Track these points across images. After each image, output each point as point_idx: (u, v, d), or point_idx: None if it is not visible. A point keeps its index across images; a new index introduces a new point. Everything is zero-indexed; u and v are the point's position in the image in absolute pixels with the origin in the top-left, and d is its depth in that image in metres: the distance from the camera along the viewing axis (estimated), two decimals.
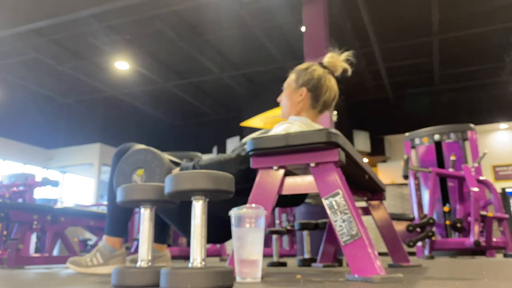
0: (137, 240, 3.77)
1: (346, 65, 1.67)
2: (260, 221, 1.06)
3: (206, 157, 1.54)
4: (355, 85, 9.25)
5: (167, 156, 1.67)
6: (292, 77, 1.68)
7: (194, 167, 1.50)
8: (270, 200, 1.21)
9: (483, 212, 3.71)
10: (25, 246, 2.63)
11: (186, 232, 1.57)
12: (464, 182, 4.06)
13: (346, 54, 1.68)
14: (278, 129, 1.44)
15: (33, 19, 6.12)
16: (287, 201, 1.72)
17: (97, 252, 1.61)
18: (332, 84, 1.65)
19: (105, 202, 7.12)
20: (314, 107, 1.63)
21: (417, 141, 4.88)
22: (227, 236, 1.61)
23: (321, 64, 1.68)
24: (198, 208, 0.93)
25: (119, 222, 1.67)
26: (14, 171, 6.71)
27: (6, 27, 6.25)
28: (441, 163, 4.65)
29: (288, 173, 1.26)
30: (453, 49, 7.88)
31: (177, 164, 1.71)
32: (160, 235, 1.81)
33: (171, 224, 1.63)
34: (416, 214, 4.52)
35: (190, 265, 0.89)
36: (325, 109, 1.66)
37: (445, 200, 4.59)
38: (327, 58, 1.68)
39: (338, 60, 1.67)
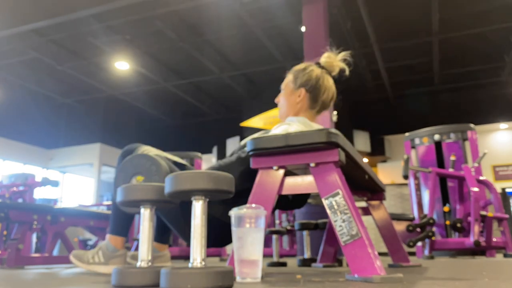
0: (137, 240, 3.77)
1: (343, 65, 1.67)
2: (260, 221, 1.06)
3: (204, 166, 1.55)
4: (355, 85, 9.25)
5: (171, 157, 1.66)
6: (289, 77, 1.67)
7: None
8: (270, 200, 1.21)
9: (483, 212, 3.71)
10: (25, 246, 2.63)
11: (186, 236, 1.58)
12: (464, 182, 4.06)
13: (343, 54, 1.68)
14: (277, 130, 1.44)
15: (33, 19, 6.12)
16: (288, 204, 1.72)
17: (99, 250, 1.62)
18: (330, 84, 1.65)
19: (105, 202, 7.10)
20: (313, 107, 1.63)
21: (417, 141, 4.88)
22: (228, 239, 1.61)
23: (318, 64, 1.68)
24: (198, 208, 0.93)
25: (123, 221, 1.68)
26: (14, 171, 6.71)
27: (6, 27, 6.25)
28: (441, 163, 4.65)
29: (288, 173, 1.26)
30: (453, 49, 7.88)
31: (181, 166, 1.70)
32: (162, 235, 1.82)
33: (171, 227, 1.64)
34: (416, 214, 4.52)
35: (190, 265, 0.90)
36: (323, 109, 1.66)
37: (445, 200, 4.59)
38: (324, 58, 1.68)
39: (335, 60, 1.67)
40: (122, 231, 1.67)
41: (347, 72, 1.68)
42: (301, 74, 1.63)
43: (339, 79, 1.71)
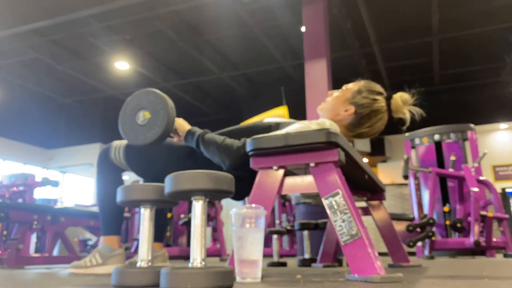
0: (137, 240, 3.78)
1: (406, 115, 1.62)
2: (260, 221, 1.06)
3: (213, 134, 1.50)
4: None
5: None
6: (355, 87, 1.59)
7: (199, 136, 1.46)
8: (270, 200, 1.21)
9: (483, 212, 3.71)
10: (25, 246, 2.63)
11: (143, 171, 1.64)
12: (464, 182, 4.06)
13: (412, 101, 1.64)
14: (301, 125, 1.41)
15: (33, 19, 6.12)
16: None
17: (96, 253, 1.62)
18: (379, 124, 1.59)
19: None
20: (350, 129, 1.57)
21: (417, 141, 4.88)
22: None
23: (389, 98, 1.62)
24: (198, 208, 0.93)
25: (112, 220, 1.67)
26: (14, 171, 6.71)
27: (6, 27, 6.25)
28: (441, 163, 4.65)
29: (288, 173, 1.26)
30: (453, 49, 7.88)
31: None
32: (156, 233, 1.80)
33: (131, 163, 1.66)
34: (416, 214, 4.52)
35: (190, 265, 0.89)
36: (357, 137, 1.61)
37: (445, 200, 4.59)
38: (398, 97, 1.62)
39: (404, 107, 1.62)
40: (114, 230, 1.66)
41: (406, 122, 1.63)
42: (365, 93, 1.57)
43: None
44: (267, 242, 4.22)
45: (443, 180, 4.59)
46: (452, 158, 4.20)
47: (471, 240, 3.57)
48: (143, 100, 1.45)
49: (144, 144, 1.41)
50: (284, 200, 5.28)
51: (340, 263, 2.16)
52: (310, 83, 5.18)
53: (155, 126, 1.39)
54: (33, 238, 4.40)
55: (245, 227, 1.05)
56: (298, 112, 4.51)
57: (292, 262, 2.94)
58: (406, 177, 3.94)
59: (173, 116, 1.41)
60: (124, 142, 1.72)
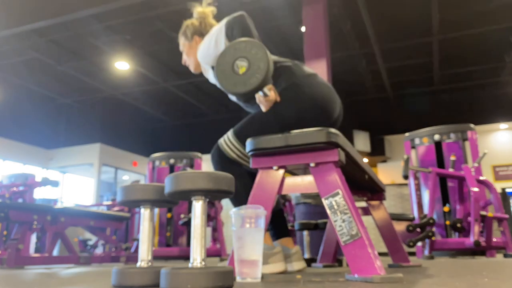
0: (137, 240, 3.77)
1: (212, 8, 2.02)
2: (260, 221, 1.06)
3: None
4: (355, 85, 9.25)
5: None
6: (182, 40, 2.03)
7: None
8: (270, 200, 1.21)
9: (483, 212, 3.71)
10: (25, 246, 2.63)
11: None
12: (464, 182, 4.06)
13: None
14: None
15: (33, 19, 6.12)
16: None
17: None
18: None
19: (105, 202, 7.10)
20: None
21: (417, 141, 4.87)
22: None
23: (195, 20, 2.01)
24: (198, 208, 0.93)
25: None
26: (14, 171, 6.71)
27: (6, 27, 6.25)
28: (441, 163, 4.65)
29: (288, 173, 1.26)
30: (453, 49, 7.88)
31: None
32: (280, 227, 1.62)
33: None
34: (416, 214, 4.52)
35: (190, 265, 0.90)
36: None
37: (445, 200, 4.58)
38: (197, 13, 2.04)
39: (204, 9, 2.03)
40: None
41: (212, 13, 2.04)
42: (188, 30, 2.06)
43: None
44: None
45: (443, 180, 4.58)
46: (452, 158, 4.20)
47: (471, 240, 3.57)
48: (241, 50, 1.43)
49: (244, 91, 1.38)
50: (284, 200, 5.28)
51: (340, 263, 2.16)
52: None
53: (256, 73, 1.37)
54: (33, 238, 4.40)
55: (245, 227, 1.05)
56: None
57: None
58: (406, 177, 3.94)
59: (272, 64, 1.40)
60: (228, 133, 1.65)
